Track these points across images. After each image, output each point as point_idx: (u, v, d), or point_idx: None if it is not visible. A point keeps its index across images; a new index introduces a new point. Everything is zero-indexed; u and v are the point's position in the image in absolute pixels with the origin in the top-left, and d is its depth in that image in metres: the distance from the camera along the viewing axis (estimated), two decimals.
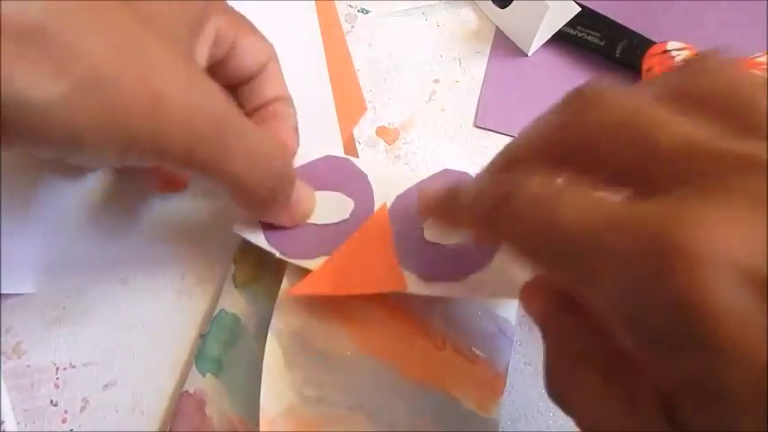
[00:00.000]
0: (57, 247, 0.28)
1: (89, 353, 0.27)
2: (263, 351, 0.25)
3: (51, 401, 0.26)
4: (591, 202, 0.16)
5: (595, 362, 0.17)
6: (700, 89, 0.16)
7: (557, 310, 0.19)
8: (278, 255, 0.26)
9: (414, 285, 0.25)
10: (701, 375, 0.13)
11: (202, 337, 0.27)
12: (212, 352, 0.26)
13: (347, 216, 0.27)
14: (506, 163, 0.21)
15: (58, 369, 0.27)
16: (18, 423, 0.26)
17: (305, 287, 0.25)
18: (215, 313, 0.27)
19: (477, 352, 0.26)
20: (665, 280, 0.13)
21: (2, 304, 0.27)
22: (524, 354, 0.28)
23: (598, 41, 0.35)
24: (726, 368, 0.13)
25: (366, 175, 0.28)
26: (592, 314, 0.18)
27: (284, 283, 0.26)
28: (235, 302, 0.27)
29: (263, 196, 0.23)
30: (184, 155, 0.20)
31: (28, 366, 0.27)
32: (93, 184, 0.29)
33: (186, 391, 0.26)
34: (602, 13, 0.35)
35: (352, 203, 0.27)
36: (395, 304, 0.27)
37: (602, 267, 0.15)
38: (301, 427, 0.24)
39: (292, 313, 0.26)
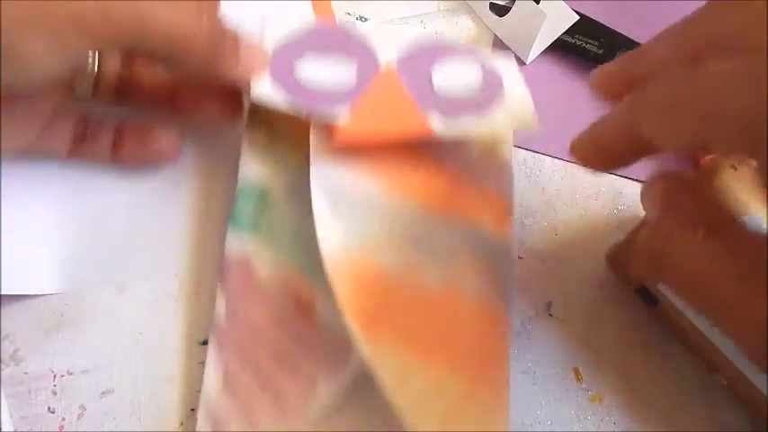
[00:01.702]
0: (56, 249, 0.28)
1: (87, 360, 0.27)
2: (298, 215, 0.27)
3: (49, 408, 0.26)
4: None
5: (699, 222, 0.19)
6: None
7: (674, 190, 0.21)
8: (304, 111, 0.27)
9: (438, 123, 0.27)
10: None
11: (232, 209, 0.28)
12: (246, 219, 0.28)
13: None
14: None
15: (55, 376, 0.27)
16: (16, 430, 0.26)
17: (344, 136, 0.26)
18: (238, 186, 0.28)
19: (485, 185, 0.29)
20: None
21: (0, 311, 0.27)
22: (522, 362, 0.28)
23: (596, 50, 0.35)
24: None
25: (365, 37, 0.29)
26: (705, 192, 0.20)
27: (313, 138, 0.27)
28: (257, 171, 0.28)
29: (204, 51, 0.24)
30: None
31: (26, 373, 0.27)
32: (92, 188, 0.29)
33: (228, 254, 0.27)
34: (600, 21, 0.35)
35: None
36: (416, 146, 0.29)
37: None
38: (362, 270, 0.25)
39: (329, 167, 0.27)
